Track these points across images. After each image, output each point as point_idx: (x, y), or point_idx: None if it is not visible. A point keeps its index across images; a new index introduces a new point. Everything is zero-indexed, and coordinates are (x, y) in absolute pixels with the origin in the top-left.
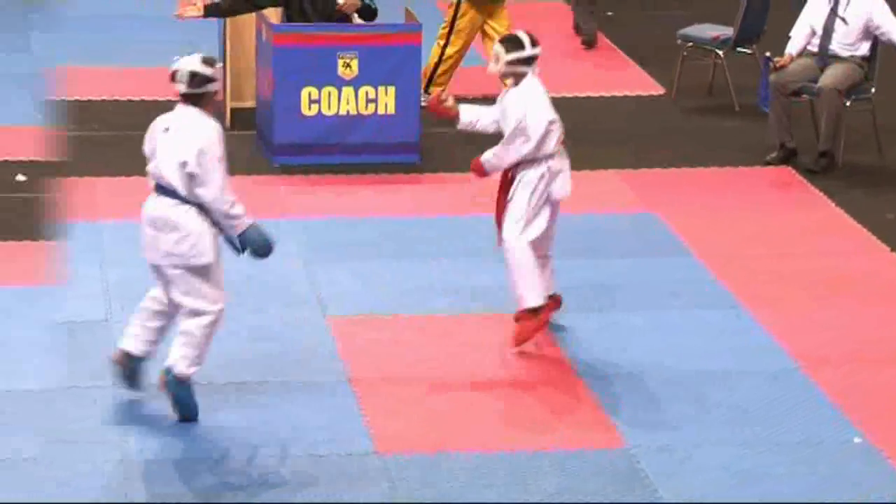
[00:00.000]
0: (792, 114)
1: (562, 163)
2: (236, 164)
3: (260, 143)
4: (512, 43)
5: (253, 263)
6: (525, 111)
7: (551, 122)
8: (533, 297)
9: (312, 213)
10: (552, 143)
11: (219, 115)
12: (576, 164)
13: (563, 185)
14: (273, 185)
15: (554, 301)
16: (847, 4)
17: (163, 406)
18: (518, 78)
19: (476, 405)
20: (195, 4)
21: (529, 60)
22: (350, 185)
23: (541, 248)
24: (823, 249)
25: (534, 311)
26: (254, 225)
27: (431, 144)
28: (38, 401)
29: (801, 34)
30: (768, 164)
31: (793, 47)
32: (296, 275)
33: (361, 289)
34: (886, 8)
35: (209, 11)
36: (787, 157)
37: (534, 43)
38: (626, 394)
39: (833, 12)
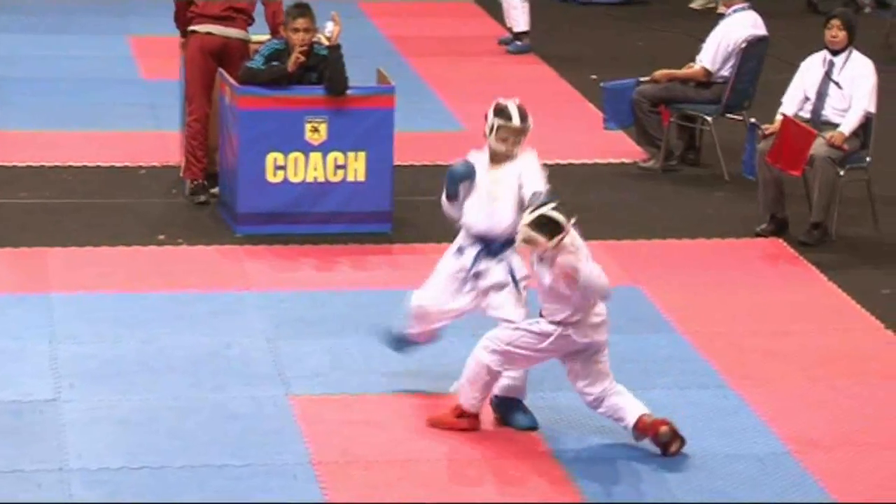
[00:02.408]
0: (783, 183)
1: None
2: (197, 233)
3: (222, 211)
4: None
5: (214, 340)
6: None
7: None
8: (467, 399)
9: (277, 286)
10: None
11: (179, 181)
12: None
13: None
14: (236, 257)
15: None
16: (842, 69)
17: (115, 490)
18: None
19: (450, 491)
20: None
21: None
22: (317, 256)
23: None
24: (816, 327)
25: (462, 413)
26: None
27: (404, 213)
28: None
29: (794, 99)
30: (758, 235)
31: (786, 109)
32: (259, 351)
33: (328, 367)
34: (870, 81)
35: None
36: (778, 229)
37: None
38: (606, 478)
39: (827, 76)
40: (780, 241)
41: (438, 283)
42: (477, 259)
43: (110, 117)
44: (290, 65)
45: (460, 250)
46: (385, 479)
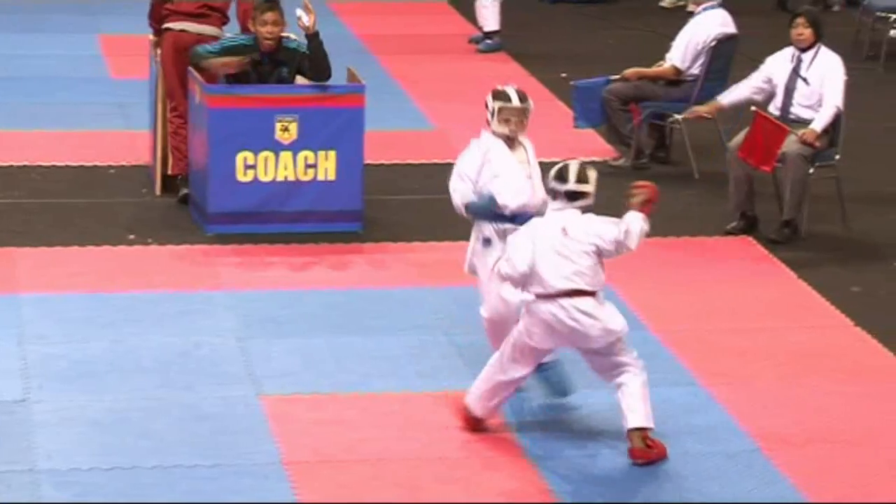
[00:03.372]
0: (754, 181)
1: None
2: (167, 233)
3: (193, 210)
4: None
5: (185, 340)
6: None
7: None
8: (472, 400)
9: (247, 285)
10: None
11: (149, 181)
12: None
13: None
14: (206, 256)
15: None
16: (810, 65)
17: (85, 490)
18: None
19: (421, 490)
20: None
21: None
22: (288, 255)
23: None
24: (786, 324)
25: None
26: None
27: (375, 212)
28: None
29: (746, 88)
30: (729, 233)
31: (726, 97)
32: (229, 351)
33: (298, 366)
34: (839, 76)
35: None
36: (749, 227)
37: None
38: (577, 478)
39: (795, 72)
40: (751, 238)
41: (491, 286)
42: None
43: (79, 117)
44: (234, 65)
45: (487, 241)
46: (356, 479)
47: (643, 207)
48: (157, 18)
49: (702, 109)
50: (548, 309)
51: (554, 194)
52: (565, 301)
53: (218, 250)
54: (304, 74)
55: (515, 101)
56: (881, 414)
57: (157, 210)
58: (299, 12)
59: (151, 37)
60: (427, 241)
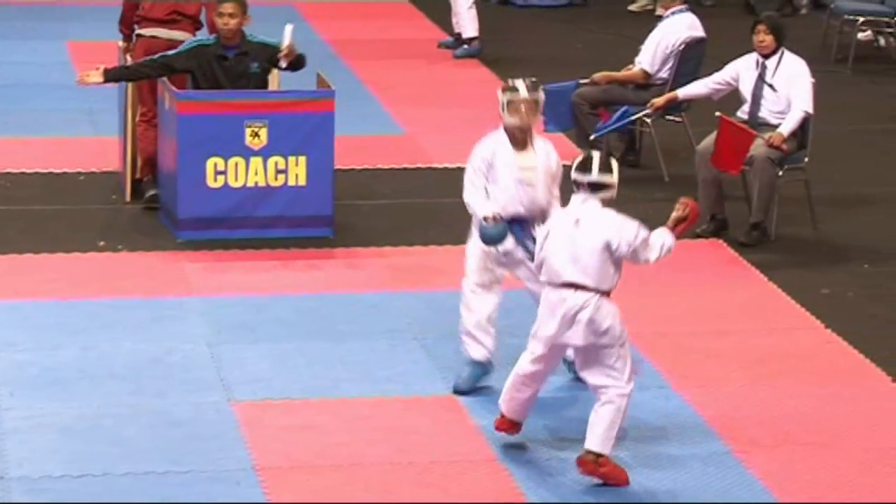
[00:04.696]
0: (723, 184)
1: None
2: (137, 239)
3: (163, 216)
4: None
5: (156, 346)
6: None
7: None
8: (501, 400)
9: (218, 291)
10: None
11: (119, 187)
12: None
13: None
14: (177, 262)
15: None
16: (775, 71)
17: (57, 498)
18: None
19: (394, 495)
20: (97, 69)
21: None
22: (258, 261)
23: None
24: (756, 326)
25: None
26: None
27: (345, 218)
28: None
29: (704, 85)
30: (698, 236)
31: (683, 90)
32: (200, 357)
33: (270, 371)
34: (806, 80)
35: (110, 76)
36: (718, 230)
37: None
38: (550, 481)
39: (761, 78)
40: (720, 241)
41: (475, 267)
42: (517, 233)
43: (48, 123)
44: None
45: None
46: (328, 484)
47: (677, 225)
48: (127, 24)
49: (659, 101)
50: (552, 297)
51: (576, 185)
52: (566, 292)
53: (188, 256)
54: (276, 66)
55: (523, 92)
56: (851, 415)
57: (127, 216)
58: (286, 37)
59: (121, 43)
60: (398, 246)
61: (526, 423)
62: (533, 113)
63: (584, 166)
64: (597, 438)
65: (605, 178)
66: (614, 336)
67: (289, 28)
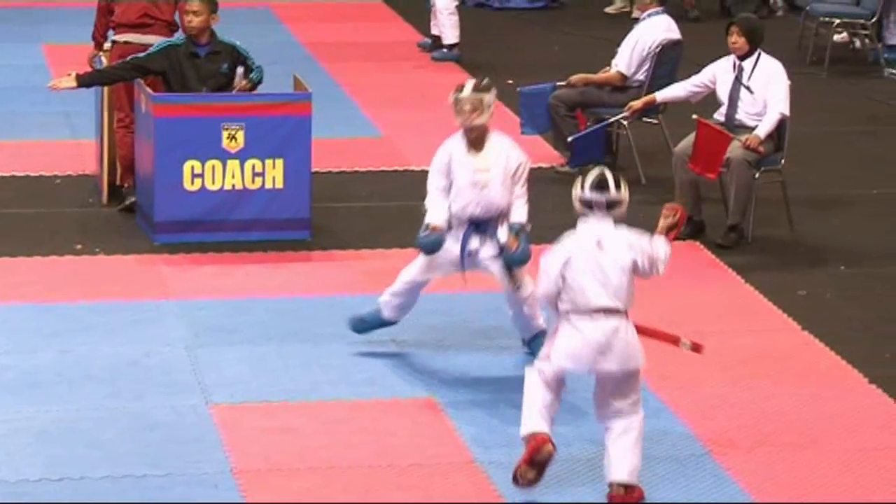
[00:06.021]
0: (700, 186)
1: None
2: (114, 242)
3: (140, 220)
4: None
5: (133, 349)
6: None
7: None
8: (525, 423)
9: (196, 294)
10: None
11: (96, 190)
12: None
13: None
14: (154, 265)
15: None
16: (751, 73)
17: (35, 501)
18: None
19: (372, 498)
20: (69, 74)
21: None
22: (236, 264)
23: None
24: (733, 328)
25: (524, 440)
26: None
27: (323, 220)
28: None
29: (682, 88)
30: (675, 239)
31: (661, 93)
32: (178, 360)
33: (247, 374)
34: (783, 82)
35: (83, 81)
36: (695, 232)
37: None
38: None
39: (738, 81)
40: (697, 243)
41: (425, 265)
42: (466, 240)
43: (24, 126)
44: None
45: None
46: (307, 487)
47: (669, 232)
48: (101, 31)
49: (637, 104)
50: (582, 325)
51: (590, 205)
52: (600, 319)
53: (166, 259)
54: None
55: (467, 91)
56: (828, 416)
57: (103, 219)
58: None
59: (93, 49)
60: (375, 249)
61: (508, 425)
62: (478, 112)
63: (601, 185)
64: (626, 470)
65: (621, 195)
66: (640, 360)
67: (240, 70)
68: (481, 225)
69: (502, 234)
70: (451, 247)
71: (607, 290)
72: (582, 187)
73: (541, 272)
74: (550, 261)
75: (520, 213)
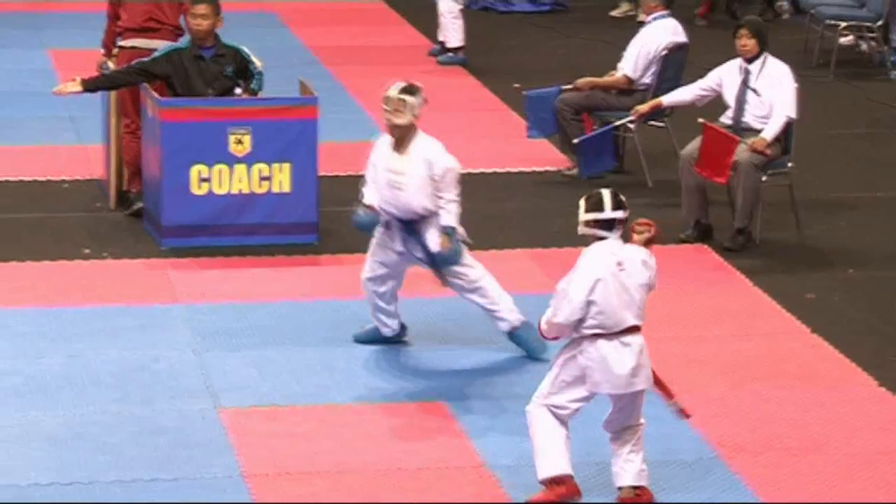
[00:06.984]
0: (707, 189)
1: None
2: (122, 247)
3: (147, 224)
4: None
5: (141, 354)
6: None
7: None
8: (542, 466)
9: (203, 298)
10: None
11: (103, 194)
12: (483, 243)
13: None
14: (161, 270)
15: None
16: (758, 76)
17: None
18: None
19: (381, 501)
20: (74, 80)
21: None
22: (243, 268)
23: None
24: (741, 331)
25: (550, 482)
26: None
27: (330, 224)
28: None
29: (689, 91)
30: (683, 241)
31: (668, 97)
32: (186, 364)
33: (256, 378)
34: (789, 85)
35: (88, 86)
36: (703, 235)
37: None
38: (534, 484)
39: (745, 84)
40: (705, 246)
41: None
42: (403, 236)
43: (31, 131)
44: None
45: (387, 224)
46: (316, 490)
47: (647, 246)
48: (111, 37)
49: (643, 108)
50: (612, 347)
51: (611, 225)
52: (629, 338)
53: (173, 263)
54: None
55: (393, 91)
56: (837, 419)
57: (111, 224)
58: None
59: (102, 55)
60: None
61: (515, 428)
62: (399, 113)
63: (619, 204)
64: (633, 473)
65: (626, 214)
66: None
67: (238, 91)
68: (409, 224)
69: (433, 235)
70: (394, 237)
71: (632, 310)
72: (600, 208)
73: (562, 300)
74: (576, 288)
75: (448, 218)
